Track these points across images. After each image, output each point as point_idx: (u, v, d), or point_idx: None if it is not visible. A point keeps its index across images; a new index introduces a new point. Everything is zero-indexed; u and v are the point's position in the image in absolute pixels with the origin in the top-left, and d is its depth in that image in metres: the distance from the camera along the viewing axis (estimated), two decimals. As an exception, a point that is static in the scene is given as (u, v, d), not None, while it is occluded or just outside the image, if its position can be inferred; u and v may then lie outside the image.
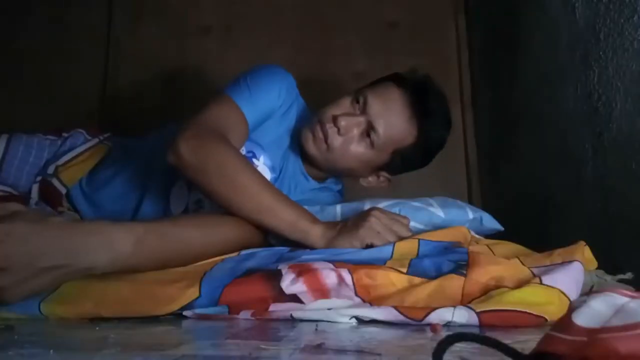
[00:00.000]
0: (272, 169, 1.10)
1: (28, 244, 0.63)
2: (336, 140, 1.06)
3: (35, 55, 1.80)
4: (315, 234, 0.90)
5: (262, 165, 1.08)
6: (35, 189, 1.14)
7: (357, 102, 1.08)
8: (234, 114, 0.99)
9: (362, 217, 0.92)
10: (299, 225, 0.89)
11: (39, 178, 1.16)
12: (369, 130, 1.06)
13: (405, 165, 1.15)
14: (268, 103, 1.06)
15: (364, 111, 1.06)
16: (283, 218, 0.90)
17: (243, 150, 1.05)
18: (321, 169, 1.15)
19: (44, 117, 1.63)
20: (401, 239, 0.90)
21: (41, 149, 1.19)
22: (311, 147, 1.08)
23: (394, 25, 1.79)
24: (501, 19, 1.53)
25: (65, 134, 1.24)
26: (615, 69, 0.95)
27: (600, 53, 0.99)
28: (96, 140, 1.25)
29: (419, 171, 1.69)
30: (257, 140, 1.09)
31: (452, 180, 1.69)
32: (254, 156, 1.08)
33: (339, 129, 1.05)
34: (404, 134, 1.08)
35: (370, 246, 0.88)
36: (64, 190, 1.15)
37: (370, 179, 1.17)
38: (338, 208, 1.07)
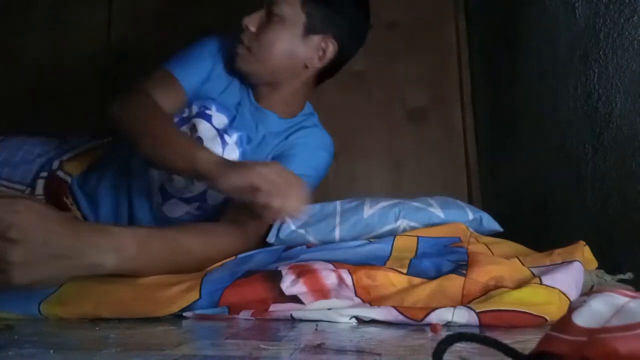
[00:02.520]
0: (239, 140, 1.11)
1: (45, 221, 0.62)
2: (255, 42, 1.06)
3: (35, 55, 1.80)
4: (203, 157, 0.87)
5: (232, 144, 1.09)
6: (40, 184, 1.15)
7: (261, 7, 1.10)
8: (165, 79, 1.06)
9: (260, 163, 0.92)
10: (190, 151, 0.88)
11: (43, 174, 1.16)
12: (272, 12, 1.06)
13: (330, 11, 1.07)
14: (200, 64, 1.11)
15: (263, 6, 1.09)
16: (178, 149, 0.90)
17: (194, 109, 1.09)
18: (267, 82, 1.11)
19: (44, 118, 1.63)
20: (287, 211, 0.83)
21: (33, 145, 1.20)
22: (242, 64, 1.08)
23: (394, 25, 1.79)
24: (501, 19, 1.53)
25: (72, 138, 1.25)
26: (615, 69, 0.95)
27: (600, 53, 0.99)
28: (99, 141, 1.27)
29: (419, 171, 1.71)
30: (207, 95, 1.11)
31: (452, 180, 1.69)
32: (207, 108, 1.10)
33: (248, 29, 1.07)
34: None
35: (255, 200, 0.82)
36: (68, 179, 1.16)
37: (309, 52, 1.08)
38: (338, 204, 1.07)
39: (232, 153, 1.09)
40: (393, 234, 0.98)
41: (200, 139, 1.08)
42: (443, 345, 0.38)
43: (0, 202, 0.61)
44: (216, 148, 1.08)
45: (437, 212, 1.04)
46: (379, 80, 1.75)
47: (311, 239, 0.99)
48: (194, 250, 0.81)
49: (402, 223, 1.00)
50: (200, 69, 1.11)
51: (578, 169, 1.08)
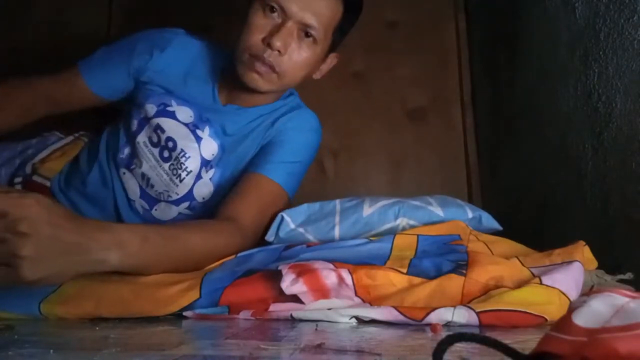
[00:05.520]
0: (213, 132, 1.07)
1: (52, 216, 0.62)
2: (283, 63, 0.98)
3: (35, 55, 1.80)
4: None
5: (207, 137, 1.07)
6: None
7: (271, 11, 0.98)
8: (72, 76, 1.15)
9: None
10: None
11: (18, 179, 1.13)
12: (303, 30, 0.98)
13: (345, 34, 1.09)
14: (118, 66, 1.11)
15: (285, 16, 0.96)
16: None
17: (151, 108, 1.06)
18: (277, 93, 1.10)
19: (43, 118, 1.62)
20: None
21: None
22: (264, 85, 1.00)
23: (394, 25, 1.79)
24: (501, 19, 1.53)
25: (45, 134, 1.23)
26: (615, 69, 0.95)
27: (600, 53, 0.99)
28: (71, 137, 1.24)
29: (419, 171, 1.71)
30: (161, 88, 1.08)
31: (452, 180, 1.69)
32: (167, 105, 1.06)
33: (279, 51, 0.96)
34: (333, 11, 1.00)
35: None
36: (47, 183, 1.14)
37: (322, 67, 1.09)
38: (337, 203, 1.07)
39: (210, 147, 1.06)
40: (393, 232, 0.98)
41: (171, 139, 1.05)
42: (443, 345, 0.38)
43: (9, 196, 0.61)
44: (191, 145, 1.05)
45: (437, 211, 1.04)
46: (379, 80, 1.76)
47: (310, 237, 0.99)
48: (194, 246, 0.81)
49: (402, 221, 1.01)
50: (115, 73, 1.11)
51: (578, 169, 1.08)
